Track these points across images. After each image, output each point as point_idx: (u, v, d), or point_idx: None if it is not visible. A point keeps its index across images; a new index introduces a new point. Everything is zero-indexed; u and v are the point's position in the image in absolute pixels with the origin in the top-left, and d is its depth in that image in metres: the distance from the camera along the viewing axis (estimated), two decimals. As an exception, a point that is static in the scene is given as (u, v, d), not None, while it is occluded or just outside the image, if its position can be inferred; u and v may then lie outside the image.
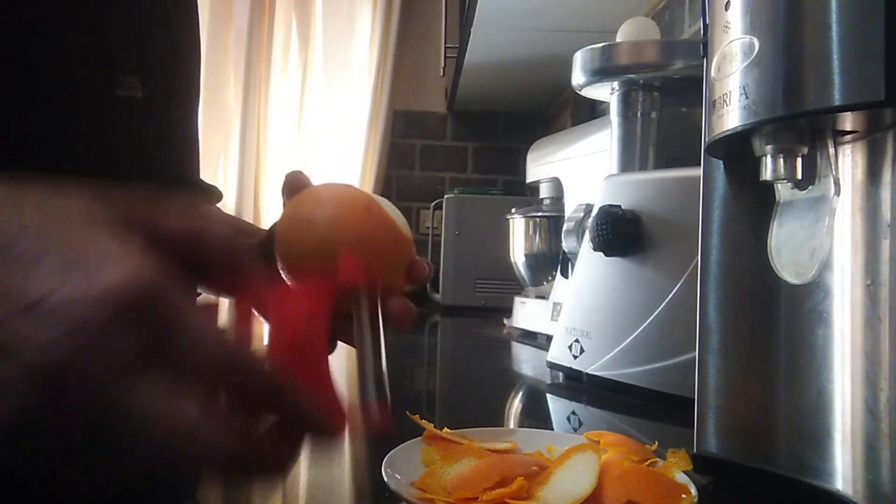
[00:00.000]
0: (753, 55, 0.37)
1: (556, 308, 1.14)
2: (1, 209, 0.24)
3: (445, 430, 0.46)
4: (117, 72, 0.48)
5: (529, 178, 1.43)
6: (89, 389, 0.23)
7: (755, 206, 0.45)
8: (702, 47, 0.44)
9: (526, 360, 1.07)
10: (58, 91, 0.35)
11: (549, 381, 0.86)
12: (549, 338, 0.91)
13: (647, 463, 0.43)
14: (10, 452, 0.24)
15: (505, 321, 1.41)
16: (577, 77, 0.94)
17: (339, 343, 0.39)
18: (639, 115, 0.93)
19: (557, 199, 1.34)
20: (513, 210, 1.42)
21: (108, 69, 0.48)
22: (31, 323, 0.22)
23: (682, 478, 0.40)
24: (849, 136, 0.40)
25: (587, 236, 0.80)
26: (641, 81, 0.91)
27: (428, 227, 2.12)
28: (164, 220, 0.28)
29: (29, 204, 0.25)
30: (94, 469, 0.24)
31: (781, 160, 0.40)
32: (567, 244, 0.97)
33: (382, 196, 0.39)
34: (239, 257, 0.30)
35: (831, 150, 0.40)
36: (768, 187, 0.44)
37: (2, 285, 0.23)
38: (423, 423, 0.46)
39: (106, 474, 0.25)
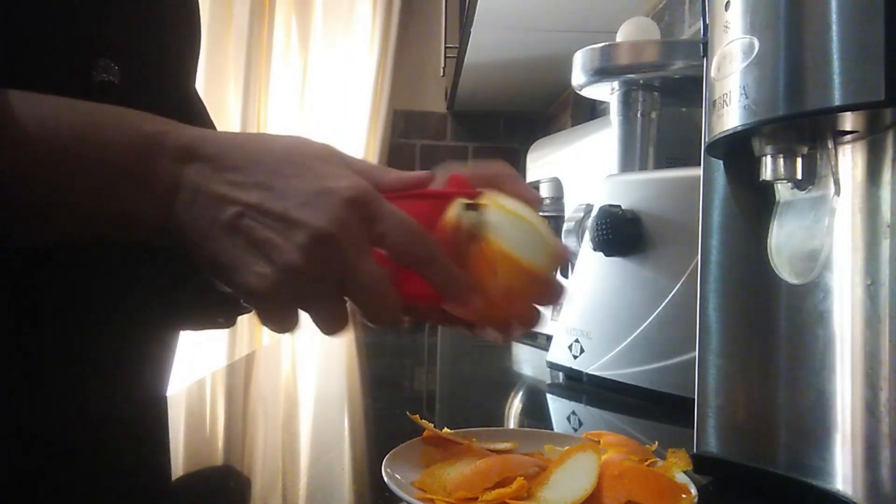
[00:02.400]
0: (753, 55, 0.37)
1: (556, 308, 1.14)
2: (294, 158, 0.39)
3: (445, 430, 0.46)
4: (95, 56, 0.47)
5: (529, 178, 1.42)
6: (344, 253, 0.35)
7: (755, 206, 0.45)
8: (702, 47, 0.44)
9: (526, 360, 1.08)
10: (33, 73, 0.34)
11: (549, 381, 0.86)
12: (549, 338, 0.91)
13: (647, 463, 0.43)
14: (282, 291, 0.36)
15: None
16: (577, 77, 0.94)
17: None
18: (639, 115, 0.93)
19: (557, 199, 1.34)
20: (513, 210, 1.42)
21: (86, 53, 0.47)
22: (315, 204, 0.36)
23: (682, 478, 0.40)
24: (849, 136, 0.39)
25: (587, 236, 0.80)
26: (641, 81, 0.91)
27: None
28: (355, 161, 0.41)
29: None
30: (329, 299, 0.37)
31: (781, 160, 0.40)
32: (567, 244, 0.97)
33: None
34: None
35: (831, 150, 0.40)
36: (768, 187, 0.44)
37: (302, 181, 0.37)
38: (423, 423, 0.46)
39: (336, 305, 0.38)
